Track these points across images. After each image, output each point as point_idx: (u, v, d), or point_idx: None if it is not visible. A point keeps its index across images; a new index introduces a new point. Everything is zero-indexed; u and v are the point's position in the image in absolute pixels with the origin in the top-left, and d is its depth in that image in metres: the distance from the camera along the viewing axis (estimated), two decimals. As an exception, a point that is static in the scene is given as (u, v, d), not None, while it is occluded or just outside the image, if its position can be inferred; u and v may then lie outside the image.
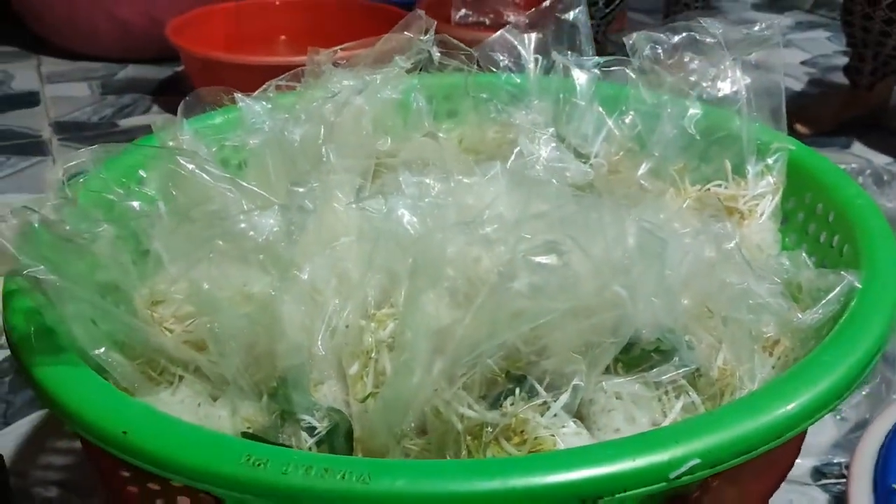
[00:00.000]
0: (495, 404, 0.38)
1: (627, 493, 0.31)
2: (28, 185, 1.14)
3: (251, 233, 0.36)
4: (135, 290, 0.40)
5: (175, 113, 0.50)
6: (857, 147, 1.29)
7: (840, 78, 1.39)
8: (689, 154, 0.59)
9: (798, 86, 1.57)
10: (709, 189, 0.56)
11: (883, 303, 0.40)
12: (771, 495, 0.43)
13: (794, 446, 0.44)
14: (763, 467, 0.42)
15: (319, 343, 0.41)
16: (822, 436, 0.72)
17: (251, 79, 0.60)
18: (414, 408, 0.39)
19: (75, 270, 0.35)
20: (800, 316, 0.40)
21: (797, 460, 0.71)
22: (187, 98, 0.48)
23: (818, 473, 0.70)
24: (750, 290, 0.39)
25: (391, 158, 0.54)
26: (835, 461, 0.69)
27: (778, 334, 0.41)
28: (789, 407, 0.33)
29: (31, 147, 1.26)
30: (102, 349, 0.37)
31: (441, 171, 0.44)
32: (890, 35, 1.17)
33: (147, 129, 0.50)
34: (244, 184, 0.39)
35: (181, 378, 0.40)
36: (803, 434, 0.46)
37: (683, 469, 0.31)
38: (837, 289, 0.40)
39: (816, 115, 1.37)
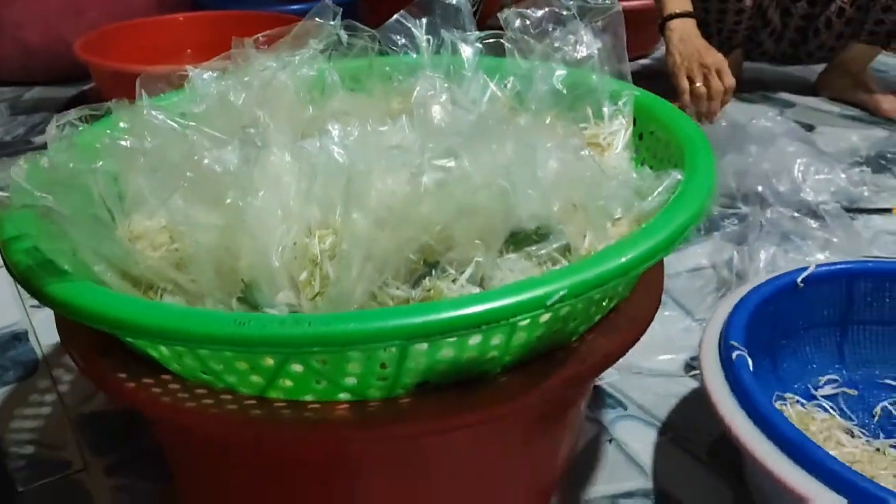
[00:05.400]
0: (416, 284, 0.49)
1: (518, 317, 0.42)
2: (-47, 200, 1.18)
3: (216, 166, 0.46)
4: (118, 226, 0.49)
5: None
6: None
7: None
8: (559, 106, 0.72)
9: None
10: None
11: (698, 189, 0.53)
12: (631, 347, 0.55)
13: (645, 306, 0.57)
14: (624, 323, 0.55)
15: (273, 258, 0.52)
16: (691, 339, 0.87)
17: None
18: (354, 299, 0.50)
19: (76, 203, 0.45)
20: (641, 203, 0.53)
21: (672, 356, 0.86)
22: (142, 75, 0.57)
23: (689, 367, 0.84)
24: (602, 184, 0.52)
25: (314, 124, 0.65)
26: (701, 355, 0.83)
27: (625, 218, 0.54)
28: (625, 258, 0.46)
29: (-51, 167, 1.30)
30: (102, 266, 0.46)
31: (361, 119, 0.55)
32: (726, 12, 1.34)
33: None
34: (205, 129, 0.49)
35: (164, 290, 0.49)
36: (654, 301, 0.59)
37: (555, 298, 0.43)
38: (667, 181, 0.54)
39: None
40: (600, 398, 0.81)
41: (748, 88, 1.68)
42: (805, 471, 0.51)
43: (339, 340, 0.41)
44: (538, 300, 0.43)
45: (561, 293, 0.43)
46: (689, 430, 0.76)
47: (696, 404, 0.79)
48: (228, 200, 0.45)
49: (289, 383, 0.47)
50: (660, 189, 0.54)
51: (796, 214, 1.01)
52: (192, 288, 0.50)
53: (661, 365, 0.85)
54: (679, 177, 0.54)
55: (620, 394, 0.81)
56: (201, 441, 0.54)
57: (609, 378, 0.83)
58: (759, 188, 1.16)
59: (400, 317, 0.42)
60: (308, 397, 0.48)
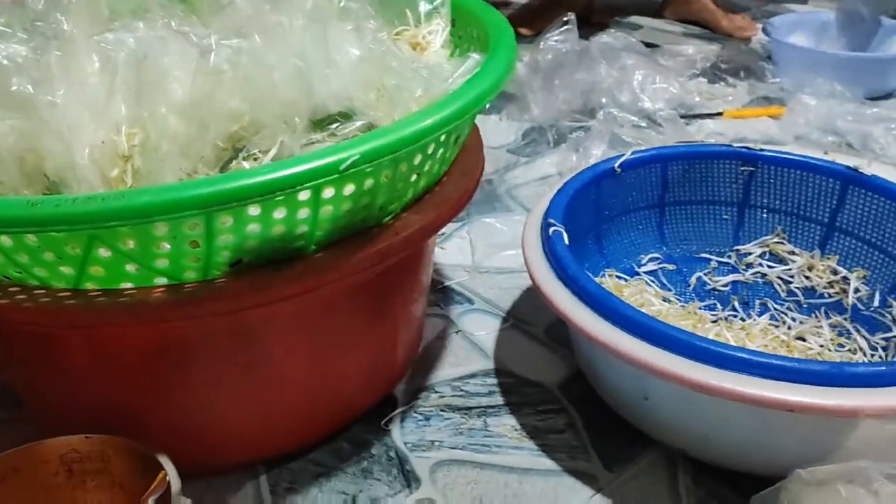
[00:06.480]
0: (224, 168, 0.51)
1: (312, 183, 0.45)
2: None
3: (3, 59, 0.46)
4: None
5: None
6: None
7: (550, -15, 1.63)
8: (382, 13, 0.74)
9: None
10: (398, 33, 0.72)
11: (494, 67, 0.56)
12: (444, 224, 0.58)
13: (459, 188, 0.60)
14: (437, 202, 0.58)
15: (82, 158, 0.52)
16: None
17: None
18: (167, 189, 0.51)
19: None
20: (443, 84, 0.56)
21: (516, 252, 0.90)
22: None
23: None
24: (404, 66, 0.54)
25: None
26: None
27: (428, 98, 0.56)
28: (417, 126, 0.49)
29: None
30: None
31: (164, 17, 0.55)
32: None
33: None
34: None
35: (-33, 191, 0.49)
36: (470, 184, 0.62)
37: (348, 162, 0.45)
38: (468, 62, 0.57)
39: (534, 18, 1.60)
40: (450, 297, 0.85)
41: (600, 15, 1.75)
42: (605, 319, 0.56)
43: (136, 213, 0.42)
44: (331, 166, 0.45)
45: (353, 158, 0.46)
46: (529, 315, 0.81)
47: (537, 293, 0.84)
48: (13, 88, 0.45)
49: (101, 271, 0.48)
50: (461, 70, 0.57)
51: (630, 117, 1.07)
52: (-4, 189, 0.50)
53: (505, 261, 0.89)
54: (478, 58, 0.57)
55: (469, 291, 0.86)
56: (27, 339, 0.54)
57: (458, 278, 0.87)
58: (604, 100, 1.23)
59: (194, 188, 0.43)
60: (125, 285, 0.49)
